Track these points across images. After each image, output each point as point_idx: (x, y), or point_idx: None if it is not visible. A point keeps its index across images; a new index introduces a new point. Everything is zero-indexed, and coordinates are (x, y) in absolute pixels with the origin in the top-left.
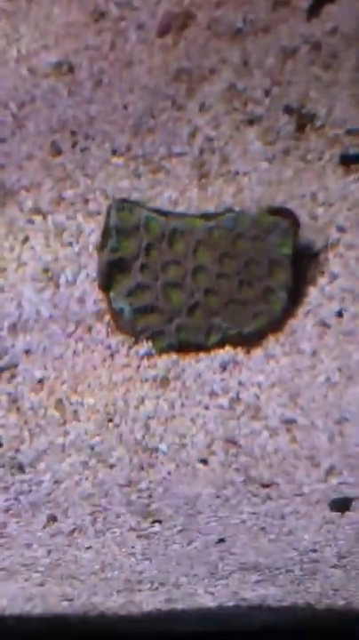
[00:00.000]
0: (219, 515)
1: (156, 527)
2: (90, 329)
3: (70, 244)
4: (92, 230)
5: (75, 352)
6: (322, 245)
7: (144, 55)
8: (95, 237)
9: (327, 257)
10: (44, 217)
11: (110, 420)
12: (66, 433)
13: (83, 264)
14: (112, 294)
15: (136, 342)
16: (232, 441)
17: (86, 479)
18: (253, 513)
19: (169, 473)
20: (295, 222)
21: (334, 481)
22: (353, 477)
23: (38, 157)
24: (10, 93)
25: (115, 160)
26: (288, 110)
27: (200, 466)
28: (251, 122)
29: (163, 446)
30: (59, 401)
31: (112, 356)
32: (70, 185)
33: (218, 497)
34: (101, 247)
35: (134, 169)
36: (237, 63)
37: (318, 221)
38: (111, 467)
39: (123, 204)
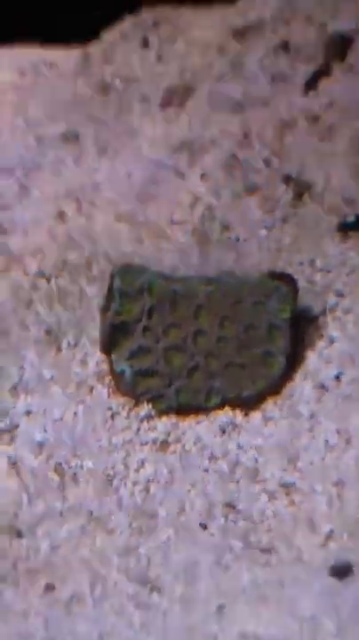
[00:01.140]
0: (218, 582)
1: (155, 596)
2: (91, 390)
3: (74, 308)
4: (95, 295)
5: (75, 414)
6: (320, 310)
7: (147, 127)
8: (97, 301)
9: (326, 321)
10: (48, 281)
11: (109, 484)
12: (64, 498)
13: (85, 328)
14: (114, 356)
15: (136, 404)
16: (231, 505)
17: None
18: (253, 580)
19: (168, 538)
20: (294, 288)
21: (334, 546)
22: (352, 542)
23: (44, 225)
24: (16, 158)
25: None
26: (286, 180)
27: (199, 531)
28: (250, 191)
29: (162, 511)
30: (59, 464)
31: (112, 417)
32: (73, 249)
33: (217, 563)
34: (104, 310)
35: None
36: (237, 134)
37: (316, 287)
38: (109, 533)
39: (127, 268)
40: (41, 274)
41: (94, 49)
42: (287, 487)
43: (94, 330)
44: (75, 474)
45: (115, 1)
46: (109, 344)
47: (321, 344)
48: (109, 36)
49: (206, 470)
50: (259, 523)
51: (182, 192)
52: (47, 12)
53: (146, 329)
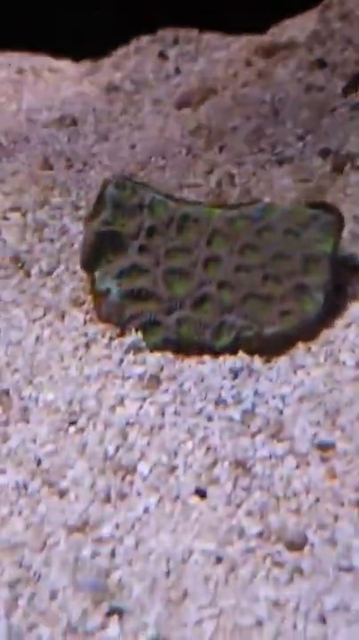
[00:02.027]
0: (215, 600)
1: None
2: (62, 316)
3: (51, 240)
4: (80, 232)
5: (38, 339)
6: None
7: (159, 122)
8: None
9: None
10: (24, 215)
11: (72, 423)
12: (5, 437)
13: (63, 259)
14: (98, 273)
15: (122, 333)
16: (242, 464)
17: (19, 514)
18: (274, 599)
19: (147, 509)
20: (339, 218)
21: None
22: None
23: (25, 172)
24: (3, 130)
25: None
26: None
27: (195, 501)
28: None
29: (143, 467)
30: (5, 392)
31: (87, 345)
32: (60, 193)
33: (218, 560)
34: (91, 217)
35: None
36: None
37: None
38: (62, 495)
39: (125, 182)
40: (15, 208)
41: (105, 60)
42: (324, 449)
43: (74, 263)
44: (25, 407)
45: (132, 24)
46: (93, 258)
47: None
48: (123, 49)
49: (210, 418)
50: (282, 497)
51: (198, 162)
52: (63, 29)
53: (143, 248)
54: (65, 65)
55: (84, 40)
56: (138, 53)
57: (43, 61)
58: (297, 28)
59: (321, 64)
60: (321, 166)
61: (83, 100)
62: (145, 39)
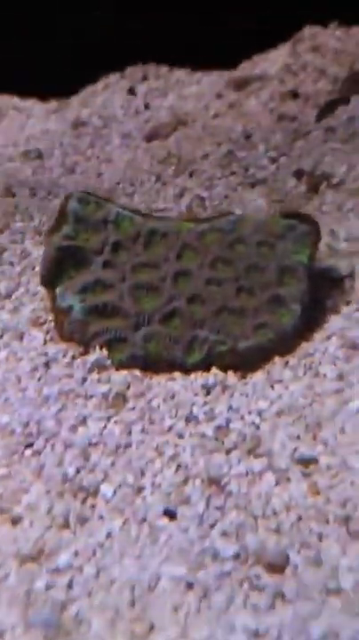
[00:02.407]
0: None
1: None
2: (21, 337)
3: (11, 263)
4: (40, 255)
5: None
6: (347, 272)
7: (127, 154)
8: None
9: (353, 286)
10: None
11: (29, 446)
12: None
13: (24, 281)
14: (59, 290)
15: (85, 351)
16: (216, 481)
17: None
18: (253, 628)
19: (109, 534)
20: (315, 228)
21: None
22: None
23: None
24: None
25: None
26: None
27: (164, 522)
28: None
29: (106, 488)
30: None
31: (47, 365)
32: (21, 219)
33: (189, 586)
34: (52, 231)
35: None
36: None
37: (339, 252)
38: (15, 523)
39: (89, 197)
40: None
41: (73, 97)
42: (306, 464)
43: (35, 285)
44: None
45: (100, 61)
46: (54, 274)
47: (347, 309)
48: (91, 87)
49: (180, 435)
50: (260, 516)
51: (167, 188)
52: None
53: (108, 264)
54: (31, 103)
55: (51, 79)
56: (106, 90)
57: (8, 101)
58: (268, 62)
59: (293, 95)
60: (295, 187)
61: (50, 136)
62: (113, 76)
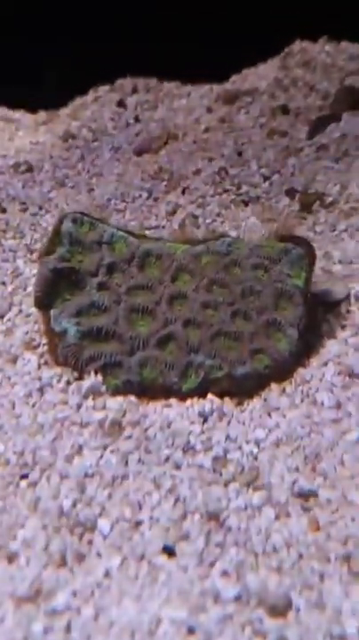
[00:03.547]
0: None
1: None
2: (14, 361)
3: (3, 283)
4: (34, 275)
5: None
6: (343, 296)
7: (118, 168)
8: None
9: (350, 310)
10: None
11: (24, 477)
12: None
13: (16, 301)
14: (54, 312)
15: (80, 377)
16: (216, 517)
17: None
18: None
19: (108, 572)
20: (311, 251)
21: None
22: None
23: None
24: None
25: None
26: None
27: (163, 560)
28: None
29: (103, 523)
30: None
31: (41, 390)
32: (13, 236)
33: (190, 631)
34: (46, 253)
35: None
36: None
37: (335, 274)
38: (11, 560)
39: (83, 217)
40: None
41: (62, 109)
42: (305, 497)
43: (29, 306)
44: None
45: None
46: (48, 296)
47: (344, 334)
48: (80, 99)
49: (177, 466)
50: (260, 554)
51: (160, 205)
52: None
53: (102, 286)
54: (20, 115)
55: (41, 91)
56: (95, 102)
57: None
58: (258, 75)
59: (284, 110)
60: (288, 205)
61: (40, 149)
62: (103, 89)
